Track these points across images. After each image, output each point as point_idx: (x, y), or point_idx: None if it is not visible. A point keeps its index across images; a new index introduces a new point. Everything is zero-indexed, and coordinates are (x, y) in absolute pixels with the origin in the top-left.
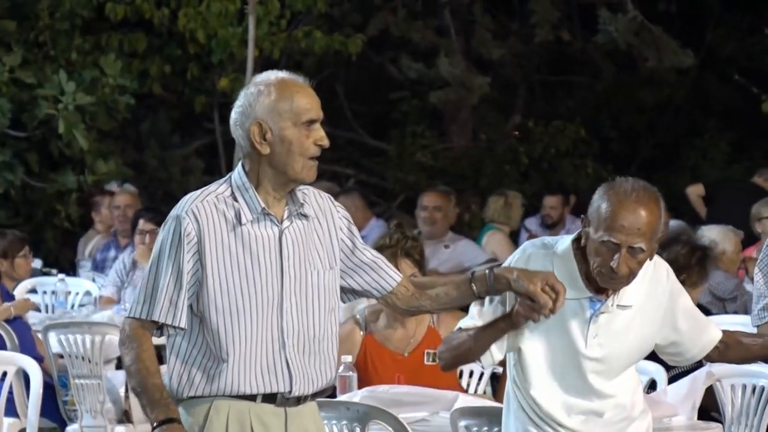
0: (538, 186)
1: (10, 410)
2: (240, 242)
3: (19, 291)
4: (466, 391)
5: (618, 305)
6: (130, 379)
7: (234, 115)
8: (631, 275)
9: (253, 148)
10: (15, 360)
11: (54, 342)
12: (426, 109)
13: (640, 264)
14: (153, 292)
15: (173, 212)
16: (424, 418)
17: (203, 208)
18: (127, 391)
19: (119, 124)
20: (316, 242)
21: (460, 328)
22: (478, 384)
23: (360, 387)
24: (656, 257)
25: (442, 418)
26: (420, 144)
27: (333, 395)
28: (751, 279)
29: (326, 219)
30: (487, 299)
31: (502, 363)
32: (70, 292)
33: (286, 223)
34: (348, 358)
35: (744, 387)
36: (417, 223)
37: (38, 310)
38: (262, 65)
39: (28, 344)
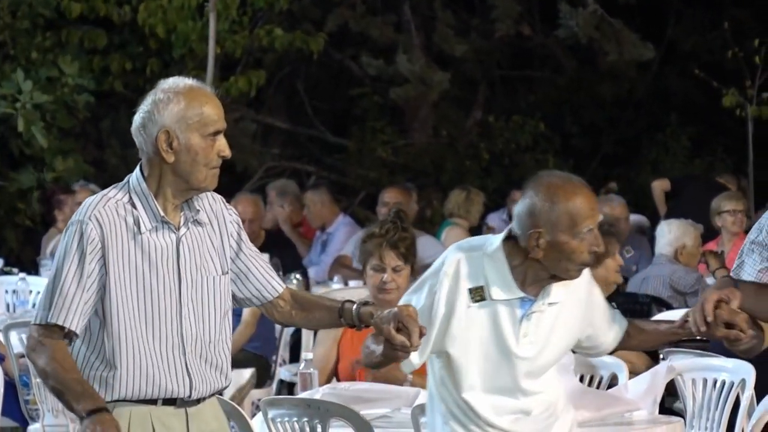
0: (500, 181)
1: None
2: (140, 250)
3: None
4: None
5: (548, 303)
6: (48, 381)
7: (138, 118)
8: None
9: (157, 154)
10: None
11: (15, 341)
12: (386, 105)
13: None
14: (51, 296)
15: (75, 217)
16: (386, 415)
17: (105, 213)
18: None
19: (80, 122)
20: (210, 248)
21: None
22: None
23: (344, 363)
24: None
25: (403, 414)
26: (381, 140)
27: (293, 392)
28: (712, 273)
29: (219, 223)
30: None
31: None
32: (31, 291)
33: (182, 230)
34: (309, 355)
35: (705, 381)
36: (378, 220)
37: None
38: (223, 62)
39: None
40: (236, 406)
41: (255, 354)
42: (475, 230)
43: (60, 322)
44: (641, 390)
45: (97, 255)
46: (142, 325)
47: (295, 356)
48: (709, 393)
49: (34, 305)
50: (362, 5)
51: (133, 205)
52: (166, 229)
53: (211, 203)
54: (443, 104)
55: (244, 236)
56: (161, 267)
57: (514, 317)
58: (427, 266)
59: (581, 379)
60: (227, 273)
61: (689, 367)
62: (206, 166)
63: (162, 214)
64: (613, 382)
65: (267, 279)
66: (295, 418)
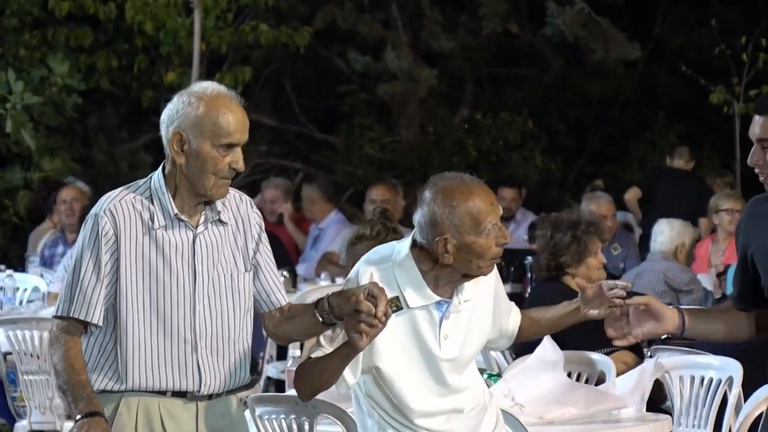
0: (487, 179)
1: None
2: (153, 245)
3: None
4: None
5: (464, 301)
6: (57, 378)
7: (164, 114)
8: None
9: (171, 153)
10: None
11: (2, 338)
12: (374, 102)
13: None
14: (72, 289)
15: (92, 211)
16: None
17: (120, 207)
18: None
19: (67, 119)
20: (232, 246)
21: (310, 357)
22: None
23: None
24: None
25: None
26: (368, 137)
27: (281, 389)
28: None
29: (244, 224)
30: (337, 326)
31: None
32: (18, 288)
33: (200, 228)
34: (296, 353)
35: (692, 378)
36: (365, 216)
37: None
38: (209, 59)
39: None
40: None
41: None
42: None
43: (81, 317)
44: (629, 387)
45: (112, 248)
46: (153, 318)
47: (282, 353)
48: (696, 390)
49: (21, 302)
50: (350, 2)
51: (151, 201)
52: (182, 226)
53: (237, 203)
54: (431, 101)
55: (265, 240)
56: (175, 263)
57: (433, 321)
58: None
59: (569, 376)
60: (250, 271)
61: (677, 365)
62: (215, 175)
63: (176, 211)
64: (600, 379)
65: (273, 289)
66: (283, 416)
